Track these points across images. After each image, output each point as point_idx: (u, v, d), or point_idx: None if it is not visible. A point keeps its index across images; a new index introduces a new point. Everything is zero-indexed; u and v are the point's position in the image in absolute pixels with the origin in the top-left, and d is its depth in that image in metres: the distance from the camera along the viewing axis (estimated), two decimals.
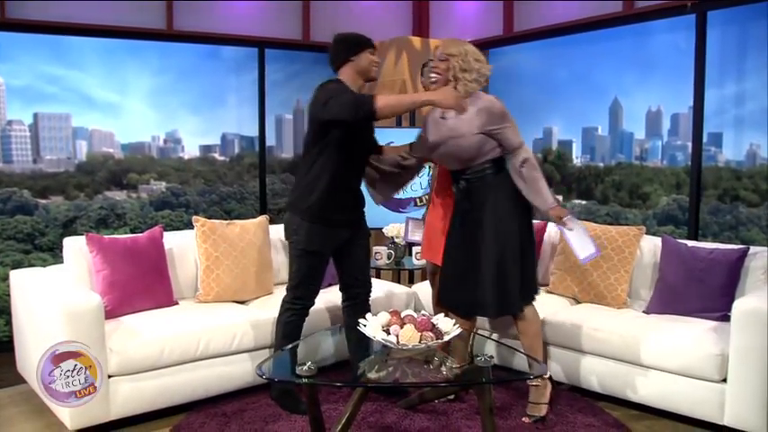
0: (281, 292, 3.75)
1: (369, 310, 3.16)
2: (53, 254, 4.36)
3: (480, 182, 2.97)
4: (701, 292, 3.30)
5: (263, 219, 3.89)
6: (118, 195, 4.70)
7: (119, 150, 4.69)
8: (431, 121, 3.07)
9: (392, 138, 4.77)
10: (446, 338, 2.59)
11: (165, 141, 4.89)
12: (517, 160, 2.92)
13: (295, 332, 3.13)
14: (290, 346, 2.87)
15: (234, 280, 3.62)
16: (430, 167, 4.76)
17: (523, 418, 3.05)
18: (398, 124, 5.07)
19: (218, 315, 3.36)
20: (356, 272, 3.27)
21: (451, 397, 3.22)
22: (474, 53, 2.94)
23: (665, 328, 3.17)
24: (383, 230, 4.38)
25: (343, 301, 3.34)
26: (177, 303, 3.53)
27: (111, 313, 3.17)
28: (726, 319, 3.10)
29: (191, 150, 5.00)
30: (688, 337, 3.03)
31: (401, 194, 4.79)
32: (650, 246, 3.64)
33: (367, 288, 3.34)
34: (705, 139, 4.09)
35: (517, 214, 2.96)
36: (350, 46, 3.04)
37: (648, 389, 3.11)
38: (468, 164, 2.96)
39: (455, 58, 2.91)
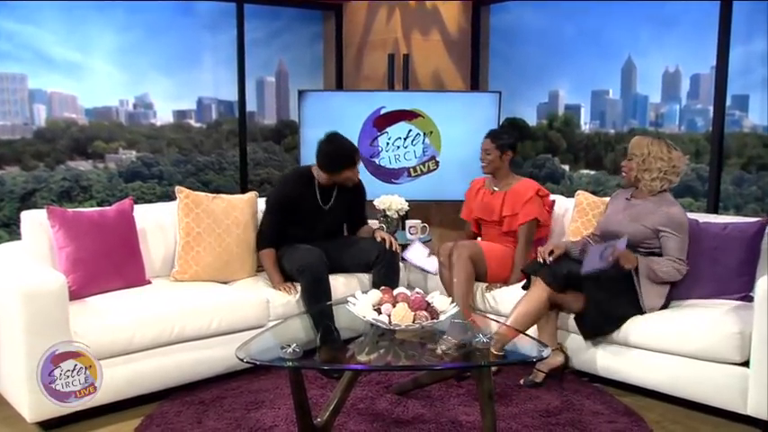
0: (263, 276, 3.76)
1: (392, 270, 3.69)
2: (9, 230, 4.31)
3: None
4: (717, 274, 3.27)
5: (252, 195, 3.90)
6: (82, 165, 4.64)
7: (82, 116, 4.61)
8: (616, 200, 3.49)
9: (384, 102, 4.75)
10: (441, 318, 2.59)
11: (135, 106, 4.83)
12: (664, 264, 3.19)
13: (316, 294, 3.49)
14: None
15: (215, 259, 3.62)
16: (426, 134, 4.76)
17: (520, 380, 3.26)
18: (391, 87, 5.01)
19: (195, 295, 3.34)
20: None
21: None
22: (657, 153, 3.27)
23: (677, 309, 3.18)
24: (374, 203, 4.34)
25: None
26: (150, 282, 3.51)
27: (76, 294, 3.13)
28: (747, 300, 3.10)
29: (163, 116, 4.94)
30: (704, 317, 3.03)
31: (394, 165, 4.79)
32: None
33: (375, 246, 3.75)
34: (729, 102, 4.04)
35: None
36: (332, 164, 3.68)
37: (661, 374, 3.10)
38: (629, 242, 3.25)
39: (636, 158, 3.31)
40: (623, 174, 3.42)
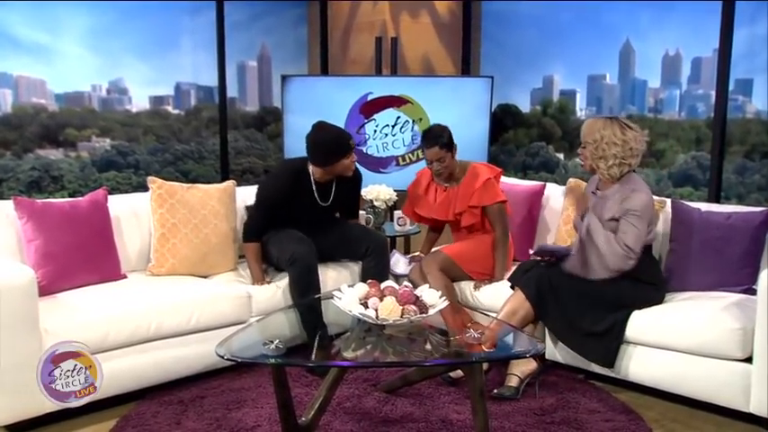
0: (244, 268, 3.74)
1: (383, 263, 3.69)
2: None
3: None
4: (720, 265, 3.27)
5: (229, 184, 3.87)
6: (53, 154, 4.58)
7: (52, 101, 4.56)
8: (588, 193, 3.39)
9: (371, 88, 4.73)
10: (431, 312, 2.58)
11: (109, 91, 4.78)
12: (616, 245, 3.08)
13: (305, 287, 3.44)
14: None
15: (192, 251, 3.60)
16: (415, 121, 4.74)
17: (494, 390, 3.10)
18: (379, 72, 4.98)
19: (173, 290, 3.33)
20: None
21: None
22: (610, 137, 3.11)
23: (677, 302, 3.18)
24: (361, 193, 4.32)
25: None
26: (125, 277, 3.49)
27: (46, 289, 3.10)
28: (750, 293, 3.10)
29: (139, 102, 4.90)
30: (704, 311, 3.03)
31: (382, 153, 4.77)
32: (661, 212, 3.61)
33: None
34: (732, 87, 4.06)
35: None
36: (325, 157, 3.51)
37: (660, 371, 3.09)
38: None
39: (590, 146, 3.17)
40: (581, 163, 3.31)
